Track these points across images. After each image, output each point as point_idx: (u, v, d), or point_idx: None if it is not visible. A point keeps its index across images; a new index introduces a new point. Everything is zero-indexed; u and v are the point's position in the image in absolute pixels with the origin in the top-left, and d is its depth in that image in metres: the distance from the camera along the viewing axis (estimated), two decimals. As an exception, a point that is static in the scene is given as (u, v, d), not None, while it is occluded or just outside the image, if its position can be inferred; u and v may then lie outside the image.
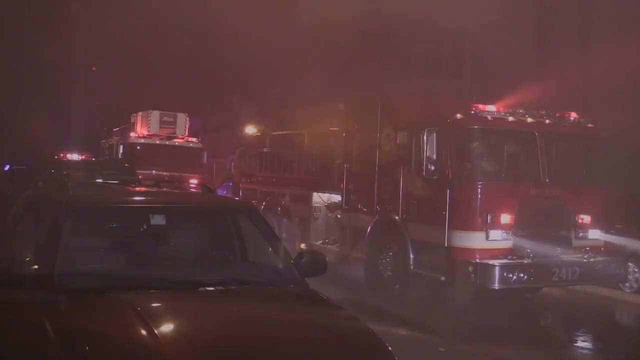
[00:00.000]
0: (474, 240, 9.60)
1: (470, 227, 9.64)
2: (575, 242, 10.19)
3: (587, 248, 10.11)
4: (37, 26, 29.71)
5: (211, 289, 4.62)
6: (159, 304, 4.39)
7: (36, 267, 4.47)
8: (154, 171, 20.38)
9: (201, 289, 4.61)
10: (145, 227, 5.72)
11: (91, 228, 5.43)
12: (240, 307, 4.50)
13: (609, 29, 18.78)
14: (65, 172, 12.30)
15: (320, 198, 13.36)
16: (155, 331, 3.86)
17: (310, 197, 13.49)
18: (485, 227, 9.56)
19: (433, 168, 9.97)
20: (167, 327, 4.06)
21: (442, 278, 9.92)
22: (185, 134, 23.19)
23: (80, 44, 35.74)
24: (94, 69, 41.07)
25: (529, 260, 9.53)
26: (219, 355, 3.80)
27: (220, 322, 4.22)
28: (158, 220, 5.45)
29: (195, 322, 4.19)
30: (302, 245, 13.16)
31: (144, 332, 3.87)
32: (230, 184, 26.05)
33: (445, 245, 9.76)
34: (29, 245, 5.39)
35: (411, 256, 10.40)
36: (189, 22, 28.63)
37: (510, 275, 9.28)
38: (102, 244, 5.37)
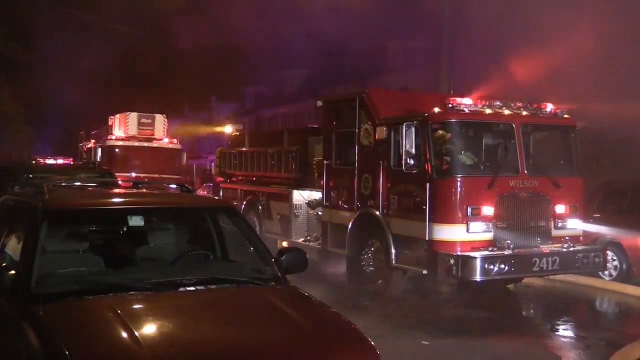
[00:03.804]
0: (455, 233, 9.65)
1: (451, 220, 9.69)
2: (554, 232, 10.29)
3: (567, 237, 10.20)
4: (13, 30, 29.42)
5: (192, 289, 4.61)
6: (140, 306, 4.37)
7: (13, 272, 4.41)
8: (133, 173, 20.26)
9: (181, 289, 4.59)
10: (124, 228, 5.69)
11: (69, 231, 5.40)
12: (221, 306, 4.49)
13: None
14: (42, 176, 12.18)
15: (300, 195, 13.34)
16: (136, 333, 3.84)
17: (290, 195, 13.47)
18: (466, 220, 9.61)
19: (412, 162, 9.99)
20: (148, 329, 4.04)
21: (424, 271, 9.96)
22: (163, 135, 23.06)
23: (56, 45, 35.39)
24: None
25: (510, 252, 9.59)
26: (201, 356, 3.79)
27: (202, 322, 4.21)
28: (137, 221, 5.43)
29: (177, 323, 4.17)
30: (284, 243, 13.15)
31: (124, 334, 3.84)
32: (210, 184, 25.98)
33: (427, 238, 9.79)
34: (6, 250, 5.33)
35: (393, 251, 10.43)
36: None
37: (492, 267, 9.34)
38: (81, 246, 5.34)
